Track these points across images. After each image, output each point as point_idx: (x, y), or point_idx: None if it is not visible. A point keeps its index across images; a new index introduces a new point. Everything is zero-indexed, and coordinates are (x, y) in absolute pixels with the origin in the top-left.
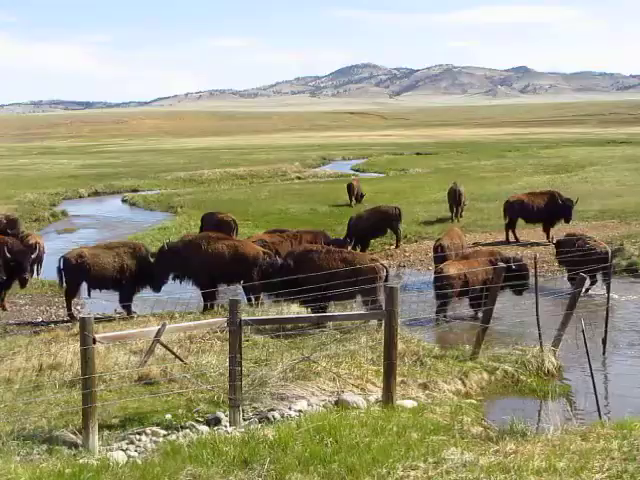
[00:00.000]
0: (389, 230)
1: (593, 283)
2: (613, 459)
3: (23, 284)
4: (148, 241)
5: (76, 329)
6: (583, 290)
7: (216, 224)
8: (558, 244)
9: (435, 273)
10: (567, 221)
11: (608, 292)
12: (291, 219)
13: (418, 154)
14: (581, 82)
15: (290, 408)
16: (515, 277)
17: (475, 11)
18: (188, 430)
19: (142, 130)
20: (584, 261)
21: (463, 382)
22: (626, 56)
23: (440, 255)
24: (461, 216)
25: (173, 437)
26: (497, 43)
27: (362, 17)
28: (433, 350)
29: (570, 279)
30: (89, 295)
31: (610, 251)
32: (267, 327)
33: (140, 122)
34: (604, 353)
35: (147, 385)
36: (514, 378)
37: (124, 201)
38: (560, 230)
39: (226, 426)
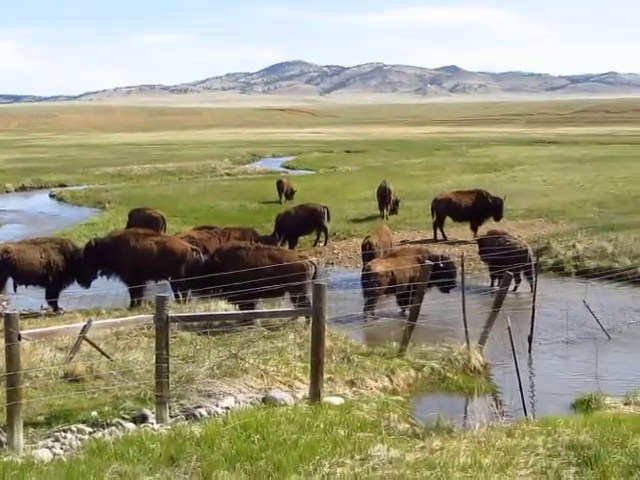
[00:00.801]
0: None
1: (517, 281)
2: (538, 455)
3: None
4: (75, 237)
5: (1, 325)
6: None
7: (144, 220)
8: (480, 242)
9: (363, 271)
10: (497, 219)
11: (534, 290)
12: (220, 216)
13: (348, 152)
14: (510, 82)
15: (217, 405)
16: (443, 275)
17: (407, 11)
18: (114, 427)
19: (71, 124)
20: (505, 259)
21: (390, 379)
22: (555, 57)
23: (368, 253)
24: (394, 213)
25: (99, 435)
26: (428, 42)
27: (295, 16)
28: (360, 347)
29: (492, 277)
30: (15, 291)
31: (530, 249)
32: (194, 324)
33: (69, 117)
34: (530, 351)
35: (73, 382)
36: (441, 375)
37: (52, 196)
38: (487, 228)
39: (153, 423)
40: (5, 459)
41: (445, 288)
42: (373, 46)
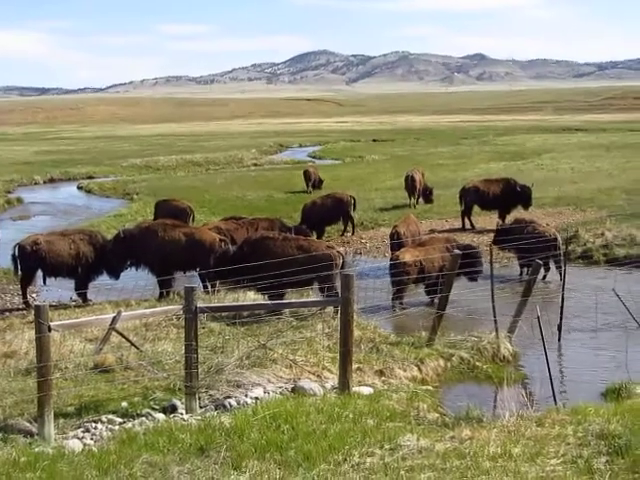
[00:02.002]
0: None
1: (546, 270)
2: (568, 444)
3: None
4: (104, 228)
5: (31, 317)
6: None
7: (171, 211)
8: (507, 230)
9: (391, 260)
10: (526, 207)
11: (563, 279)
12: (247, 206)
13: (375, 141)
14: (537, 70)
15: (246, 395)
16: (469, 264)
17: None
18: (144, 418)
19: (98, 116)
20: (534, 247)
21: (419, 369)
22: (582, 44)
23: (396, 242)
24: (429, 202)
25: (129, 425)
26: (454, 30)
27: (321, 4)
28: (389, 337)
29: (521, 265)
30: (44, 283)
31: (559, 237)
32: (223, 314)
33: (96, 108)
34: (559, 339)
35: (103, 373)
36: (470, 364)
37: (80, 188)
38: (515, 217)
39: (182, 414)
40: (36, 449)
41: (472, 277)
42: (399, 35)
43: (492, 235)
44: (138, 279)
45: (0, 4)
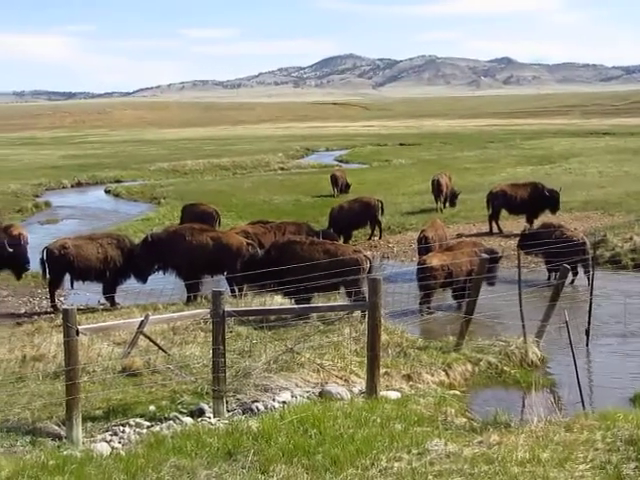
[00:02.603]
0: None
1: (574, 274)
2: (597, 450)
3: (20, 275)
4: (131, 232)
5: (59, 320)
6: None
7: (198, 215)
8: (526, 236)
9: (418, 264)
10: (553, 212)
11: (591, 283)
12: (274, 210)
13: (401, 145)
14: (564, 73)
15: (274, 399)
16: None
17: (459, 2)
18: (172, 422)
19: (125, 121)
20: (562, 252)
21: (447, 373)
22: (609, 47)
23: (424, 246)
24: (452, 206)
25: (157, 428)
26: (480, 34)
27: (347, 8)
28: (417, 341)
29: (549, 270)
30: (72, 286)
31: (588, 242)
32: (250, 318)
33: (123, 113)
34: (587, 344)
35: (130, 376)
36: (498, 369)
37: (107, 192)
38: (542, 221)
39: (210, 417)
40: (65, 453)
41: (491, 282)
42: (426, 38)
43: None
44: (166, 283)
45: (28, 9)
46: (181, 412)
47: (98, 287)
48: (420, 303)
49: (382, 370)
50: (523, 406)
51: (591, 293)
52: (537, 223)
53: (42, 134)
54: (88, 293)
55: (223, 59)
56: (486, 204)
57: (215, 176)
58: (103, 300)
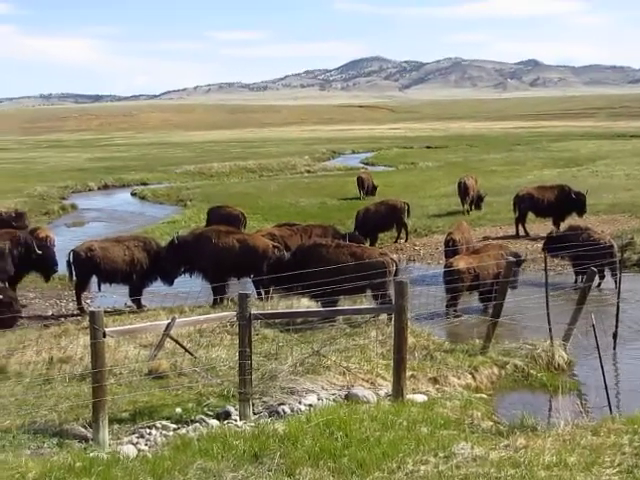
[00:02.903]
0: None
1: (601, 277)
2: (624, 454)
3: (48, 278)
4: (157, 234)
5: (86, 323)
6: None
7: (224, 218)
8: (552, 239)
9: (445, 267)
10: (580, 215)
11: (618, 286)
12: (300, 213)
13: (428, 147)
14: (591, 75)
15: (300, 402)
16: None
17: (485, 4)
18: (198, 424)
19: (151, 123)
20: (589, 255)
21: (473, 376)
22: (636, 49)
23: (451, 249)
24: (478, 209)
25: (183, 431)
26: (506, 36)
27: (373, 11)
28: (443, 344)
29: (576, 273)
30: (99, 289)
31: (615, 244)
32: (277, 321)
33: (149, 115)
34: (615, 348)
35: (157, 379)
36: (524, 372)
37: (133, 194)
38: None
39: (236, 420)
40: (91, 455)
41: (514, 285)
42: (452, 41)
43: None
44: (192, 285)
45: (55, 12)
46: (207, 414)
47: (125, 289)
48: (447, 306)
49: (408, 373)
50: (550, 410)
51: (618, 296)
52: (564, 226)
53: (69, 137)
54: (115, 295)
55: (249, 62)
56: (513, 207)
57: (241, 178)
58: (130, 302)
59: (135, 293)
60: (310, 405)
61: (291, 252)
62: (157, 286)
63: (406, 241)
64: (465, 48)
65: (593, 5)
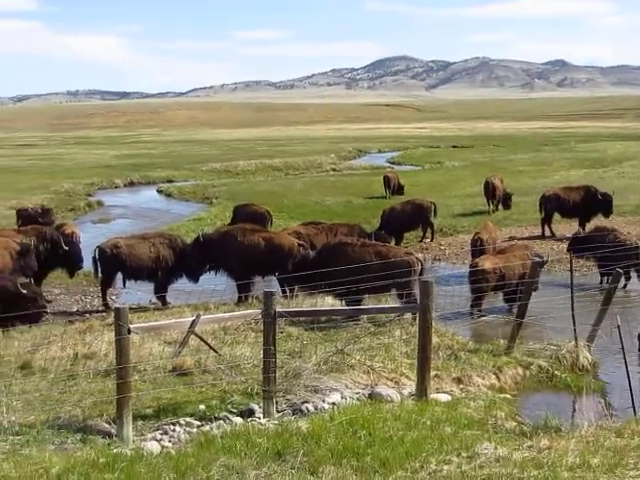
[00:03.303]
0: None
1: (627, 279)
2: None
3: (73, 274)
4: (183, 232)
5: (111, 319)
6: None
7: (250, 216)
8: (576, 240)
9: (470, 267)
10: (606, 216)
11: None
12: (326, 211)
13: (454, 147)
14: (619, 76)
15: (324, 400)
16: None
17: (512, 4)
18: (222, 421)
19: (178, 121)
20: (615, 256)
21: (497, 377)
22: None
23: (479, 249)
24: (507, 208)
25: (207, 428)
26: (534, 36)
27: (400, 10)
28: (467, 344)
29: (602, 274)
30: (124, 285)
31: None
32: (301, 319)
33: (176, 113)
34: (639, 349)
35: (181, 376)
36: (549, 373)
37: (159, 192)
38: (595, 224)
39: (260, 418)
40: (115, 451)
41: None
42: (478, 40)
43: None
44: (217, 283)
45: (81, 9)
46: (231, 412)
47: (150, 286)
48: (471, 306)
49: (432, 373)
50: (574, 411)
51: None
52: (590, 227)
53: (96, 133)
54: (140, 292)
55: (276, 60)
56: (539, 207)
57: (267, 177)
58: (154, 299)
59: (160, 290)
60: (334, 403)
61: (316, 250)
62: (182, 283)
63: (432, 240)
64: (491, 48)
65: (621, 6)
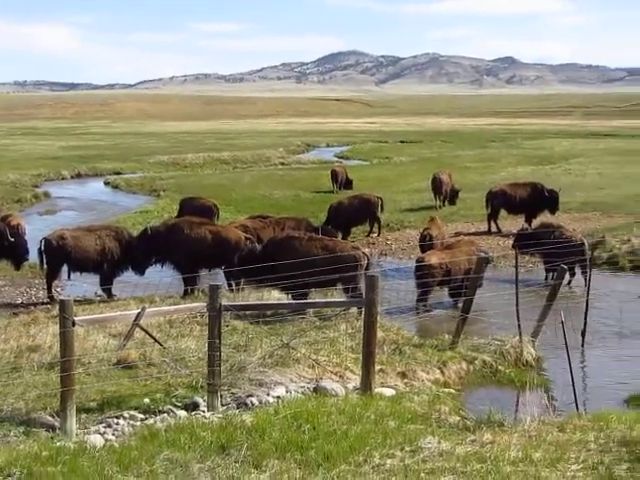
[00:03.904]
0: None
1: (571, 275)
2: (589, 451)
3: (19, 266)
4: (130, 224)
5: (56, 311)
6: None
7: (197, 209)
8: (521, 236)
9: (416, 262)
10: (552, 212)
11: (588, 284)
12: (274, 205)
13: (402, 142)
14: (567, 74)
15: (268, 394)
16: None
17: (464, 1)
18: (166, 415)
19: (127, 113)
20: (560, 252)
21: (442, 371)
22: (612, 49)
23: (428, 244)
24: (452, 204)
25: (151, 421)
26: (484, 33)
27: (351, 5)
28: (412, 339)
29: (547, 270)
30: (69, 277)
31: (586, 242)
32: (247, 313)
33: (124, 105)
34: (583, 345)
35: (126, 369)
36: (493, 368)
37: (107, 184)
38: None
39: (204, 411)
40: (58, 444)
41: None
42: (429, 36)
43: None
44: (163, 276)
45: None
46: (175, 405)
47: (95, 278)
48: (417, 301)
49: (377, 367)
50: (517, 405)
51: (588, 294)
52: (536, 223)
53: (43, 124)
54: (85, 284)
55: (227, 53)
56: (485, 203)
57: (215, 170)
58: (100, 292)
59: (106, 282)
60: (278, 397)
61: (263, 244)
62: (128, 276)
63: (378, 235)
64: (442, 44)
65: (578, 5)
